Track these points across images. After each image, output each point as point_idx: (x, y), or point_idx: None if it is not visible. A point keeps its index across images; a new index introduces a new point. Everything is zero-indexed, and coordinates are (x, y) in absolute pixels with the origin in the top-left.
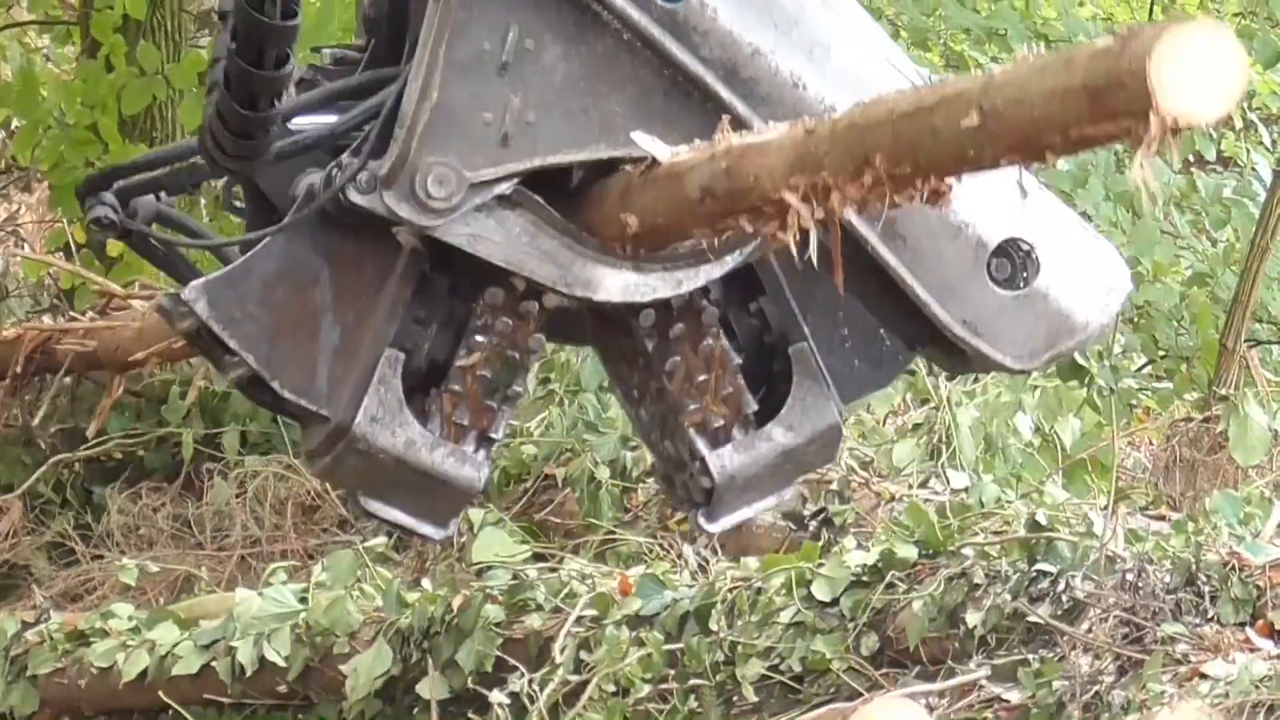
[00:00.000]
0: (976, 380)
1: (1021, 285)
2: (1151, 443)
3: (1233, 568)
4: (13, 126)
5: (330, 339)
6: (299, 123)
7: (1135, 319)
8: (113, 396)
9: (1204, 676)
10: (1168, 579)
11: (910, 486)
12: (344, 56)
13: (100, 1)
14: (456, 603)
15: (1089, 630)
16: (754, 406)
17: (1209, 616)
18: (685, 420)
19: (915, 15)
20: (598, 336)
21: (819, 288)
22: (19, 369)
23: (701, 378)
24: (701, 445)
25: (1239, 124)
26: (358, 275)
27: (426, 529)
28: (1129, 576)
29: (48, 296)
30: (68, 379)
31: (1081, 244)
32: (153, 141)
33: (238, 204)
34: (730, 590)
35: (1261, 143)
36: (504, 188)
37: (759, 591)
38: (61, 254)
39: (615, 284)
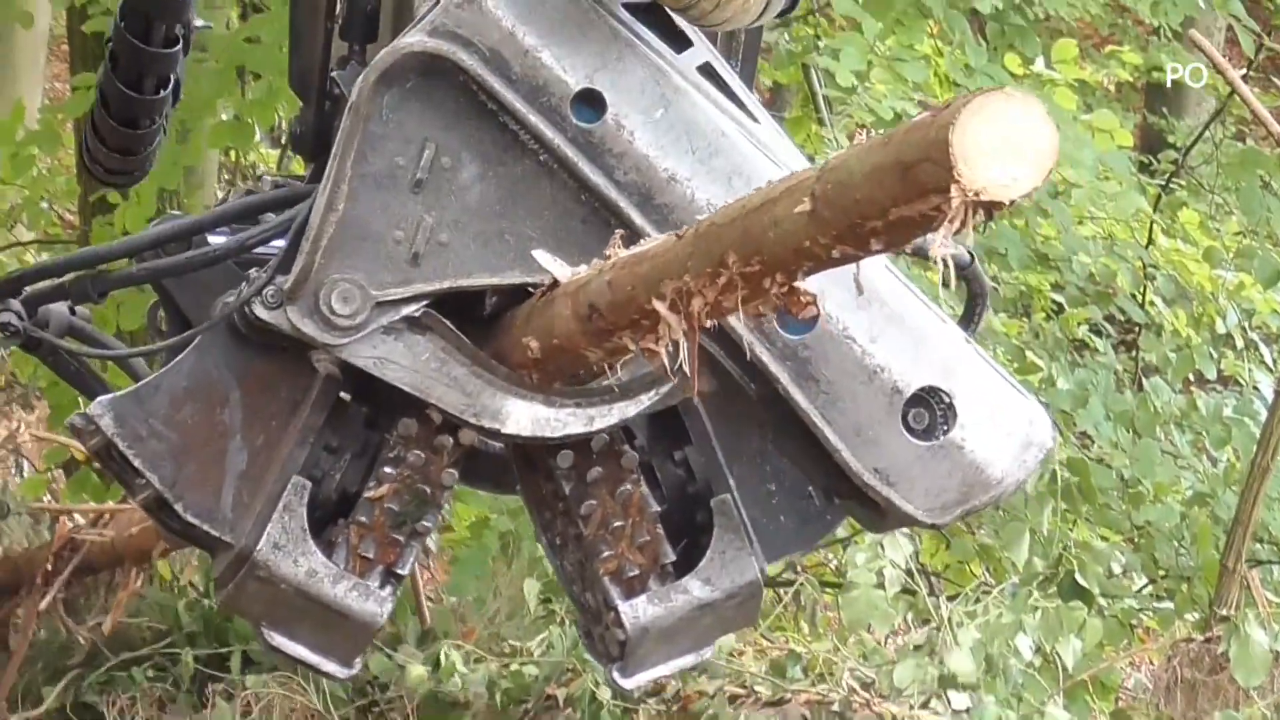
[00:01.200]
0: (978, 601)
1: (938, 436)
2: (1152, 663)
3: None
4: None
5: (237, 462)
6: (219, 235)
7: (1135, 539)
8: (129, 590)
9: None
10: None
11: (911, 708)
12: (284, 184)
13: (100, 219)
14: None
15: None
16: (671, 557)
17: None
18: (600, 567)
19: None
20: (522, 481)
21: (747, 439)
22: (49, 567)
23: (618, 523)
24: (615, 595)
25: (1239, 343)
26: (270, 398)
27: (330, 666)
28: None
29: (48, 516)
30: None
31: (1003, 397)
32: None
33: (161, 329)
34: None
35: (1263, 361)
36: (413, 309)
37: None
38: (61, 471)
39: (525, 416)
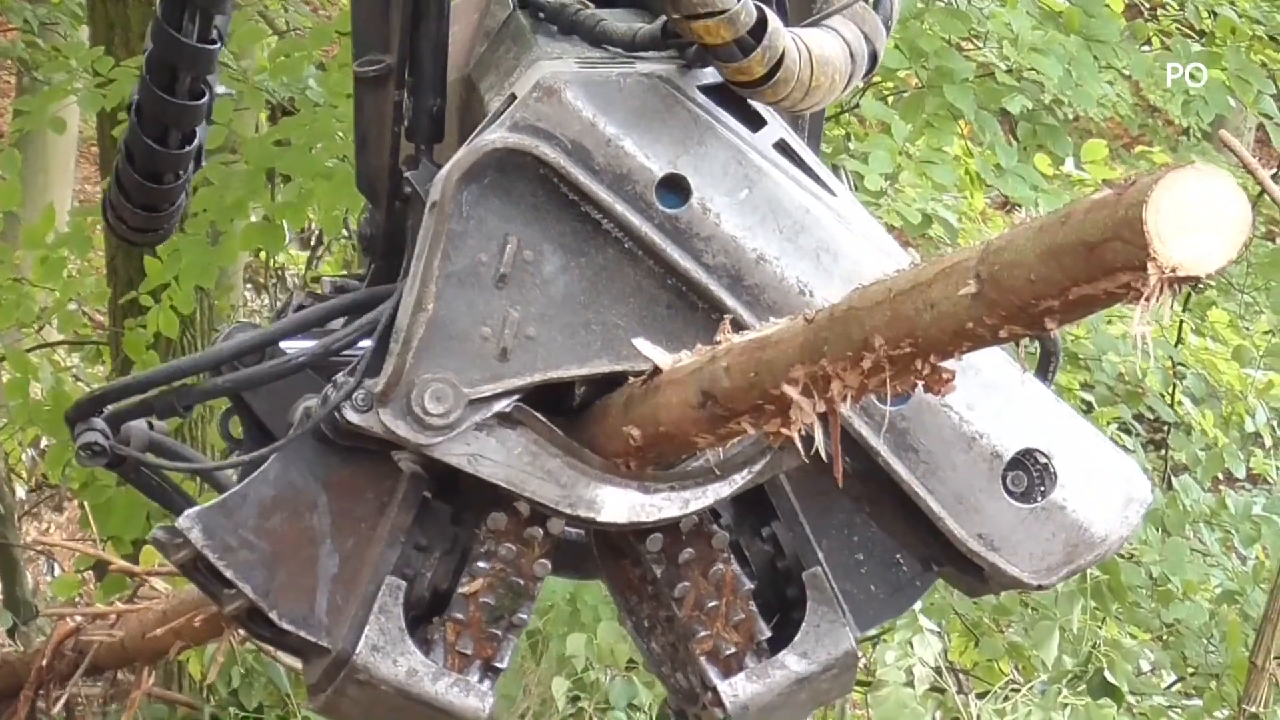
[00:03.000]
0: (1007, 699)
1: (1038, 498)
2: None
3: None
4: (42, 445)
5: (329, 567)
6: (291, 345)
7: (1164, 636)
8: (142, 688)
9: None
10: None
11: None
12: (344, 285)
13: (132, 321)
14: None
15: None
16: (767, 633)
17: None
18: (696, 648)
19: None
20: (605, 567)
21: (834, 512)
22: (45, 663)
23: (712, 604)
24: (713, 674)
25: (1268, 441)
26: (357, 501)
27: None
28: None
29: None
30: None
31: (1099, 455)
32: None
33: (234, 435)
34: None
35: None
36: (504, 404)
37: None
38: (92, 573)
39: (620, 504)
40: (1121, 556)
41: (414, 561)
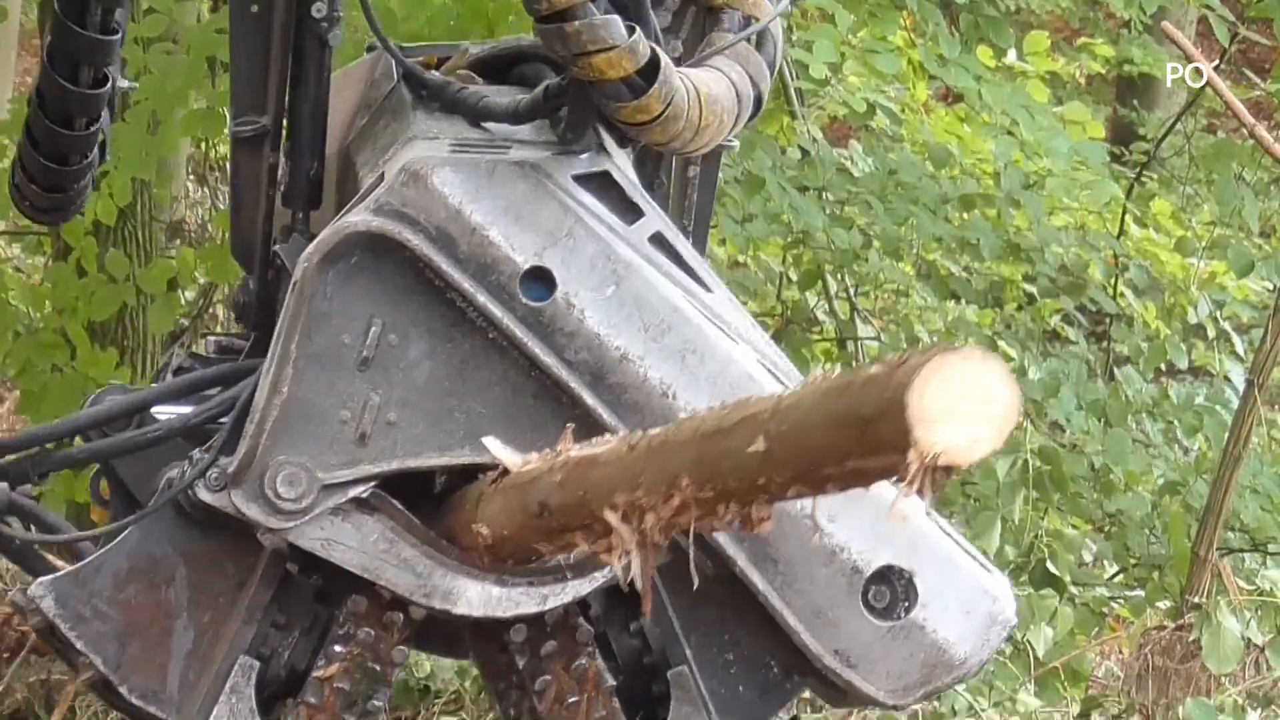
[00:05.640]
0: None
1: (900, 615)
2: (1124, 651)
3: None
4: None
5: (184, 642)
6: (163, 411)
7: (1107, 528)
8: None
9: None
10: None
11: None
12: (229, 345)
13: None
14: None
15: None
16: None
17: None
18: None
19: (887, 225)
20: (475, 649)
21: (704, 608)
22: None
23: (573, 699)
24: None
25: (1211, 333)
26: (216, 575)
27: None
28: None
29: None
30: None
31: (964, 574)
32: (122, 349)
33: (105, 499)
34: None
35: (1234, 351)
36: (360, 490)
37: None
38: None
39: (476, 596)
40: (1063, 446)
41: (271, 639)
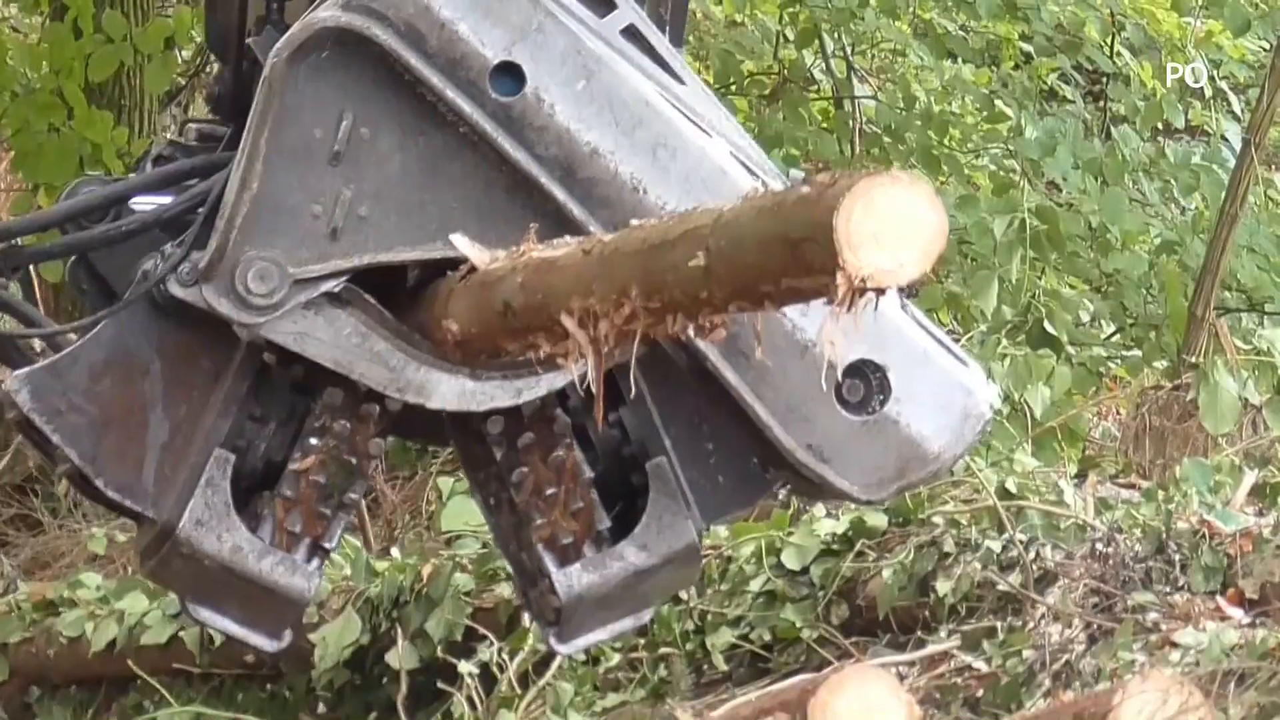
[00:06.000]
0: None
1: (873, 410)
2: (1120, 411)
3: (1203, 536)
4: None
5: (159, 435)
6: (141, 202)
7: (1103, 287)
8: None
9: (1175, 645)
10: (1138, 547)
11: None
12: (210, 133)
13: None
14: (426, 571)
15: (1059, 599)
16: (606, 523)
17: (1179, 585)
18: (533, 534)
19: None
20: (454, 438)
21: (683, 398)
22: None
23: (550, 490)
24: (549, 562)
25: (1208, 93)
26: (191, 368)
27: (258, 639)
28: (1099, 545)
29: None
30: None
31: (938, 367)
32: (119, 109)
33: (84, 288)
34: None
35: (1231, 111)
36: (332, 285)
37: (729, 560)
38: None
39: (450, 390)
40: (1059, 205)
41: (248, 432)
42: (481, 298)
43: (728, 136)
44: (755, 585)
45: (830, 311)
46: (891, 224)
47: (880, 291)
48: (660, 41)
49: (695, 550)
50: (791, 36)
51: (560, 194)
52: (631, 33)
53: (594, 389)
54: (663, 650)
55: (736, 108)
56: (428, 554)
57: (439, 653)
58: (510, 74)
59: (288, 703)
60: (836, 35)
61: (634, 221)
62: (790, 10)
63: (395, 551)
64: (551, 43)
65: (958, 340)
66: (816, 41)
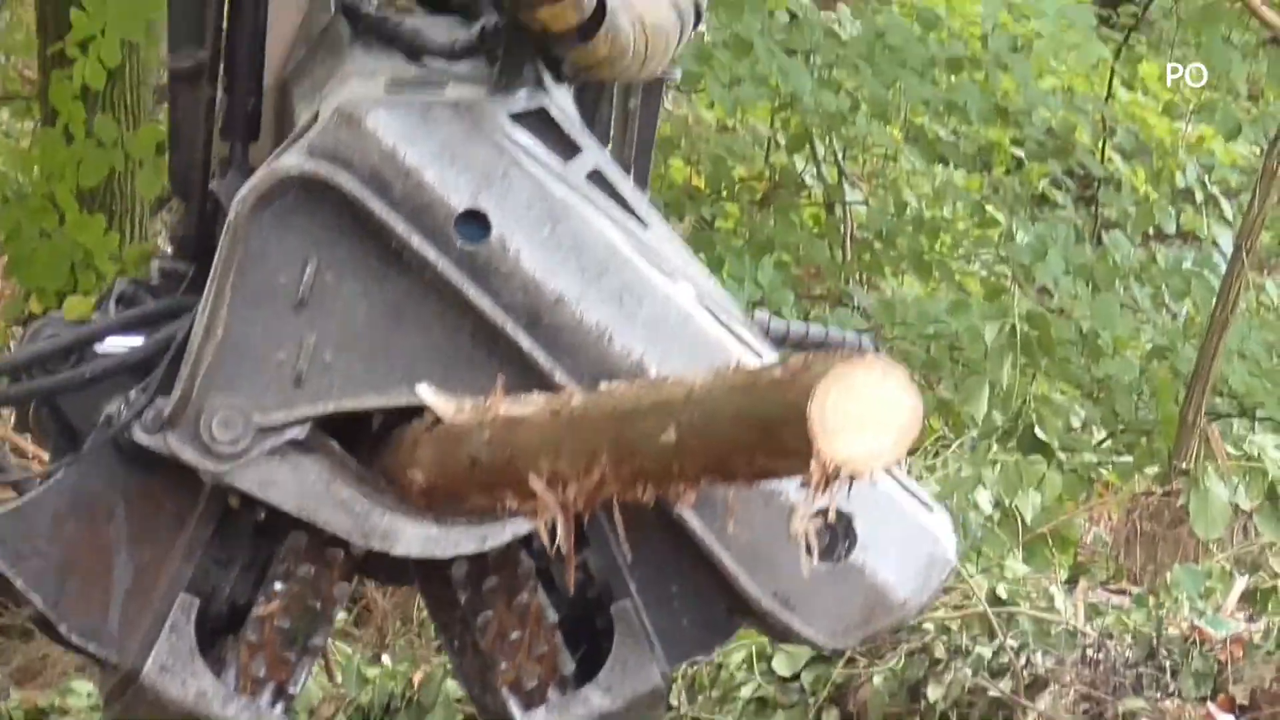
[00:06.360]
0: (937, 455)
1: (839, 558)
2: (1111, 517)
3: (1194, 642)
4: None
5: (124, 579)
6: (109, 345)
7: (1095, 393)
8: None
9: None
10: (1129, 653)
11: None
12: (172, 271)
13: (59, 72)
14: (417, 678)
15: (1050, 705)
16: (570, 666)
17: (1170, 691)
18: (498, 679)
19: (875, 88)
20: (420, 581)
21: (650, 542)
22: None
23: (515, 635)
24: (514, 706)
25: (1199, 197)
26: (156, 511)
27: None
28: (1090, 651)
29: None
30: None
31: (906, 514)
32: (111, 214)
33: (46, 430)
34: (690, 666)
35: (1222, 216)
36: (296, 432)
37: (719, 667)
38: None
39: (415, 536)
40: (1050, 310)
41: (212, 575)
42: (448, 450)
43: (693, 280)
44: (746, 691)
45: (804, 498)
46: (867, 408)
47: (856, 478)
48: (625, 184)
49: (660, 693)
50: (783, 141)
51: (525, 342)
52: (596, 177)
53: (563, 549)
54: None
55: (728, 213)
56: (419, 660)
57: None
58: (476, 221)
59: None
60: (828, 140)
61: (603, 384)
62: (781, 115)
63: (386, 658)
64: (517, 189)
65: (948, 446)
66: (807, 146)
